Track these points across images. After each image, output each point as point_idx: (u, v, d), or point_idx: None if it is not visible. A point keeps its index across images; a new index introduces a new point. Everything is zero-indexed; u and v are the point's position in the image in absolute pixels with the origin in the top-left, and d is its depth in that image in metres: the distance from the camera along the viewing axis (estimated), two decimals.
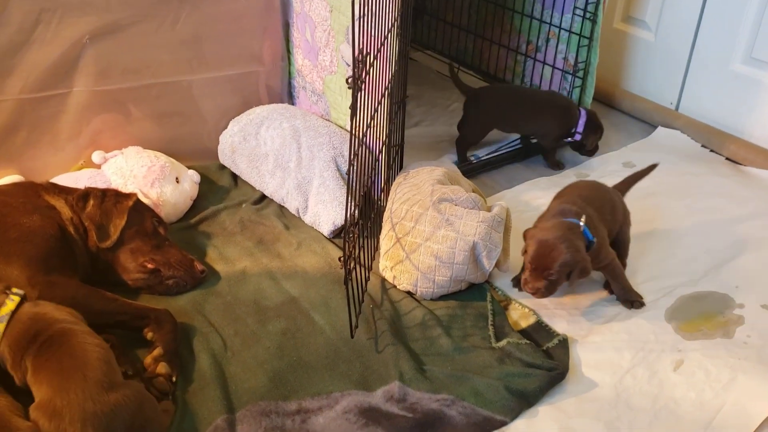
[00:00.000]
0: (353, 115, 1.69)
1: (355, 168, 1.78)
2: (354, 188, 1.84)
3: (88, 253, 2.06)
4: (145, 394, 1.64)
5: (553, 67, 3.10)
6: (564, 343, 1.95)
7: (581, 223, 1.96)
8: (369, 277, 2.17)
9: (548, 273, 1.91)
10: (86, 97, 2.44)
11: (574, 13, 2.94)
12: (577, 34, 2.94)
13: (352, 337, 1.95)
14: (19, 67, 2.31)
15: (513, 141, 2.93)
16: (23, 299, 1.69)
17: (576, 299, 2.14)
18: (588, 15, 2.86)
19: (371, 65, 1.91)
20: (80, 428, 1.49)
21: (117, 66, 2.46)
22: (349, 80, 1.65)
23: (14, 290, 1.70)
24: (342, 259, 1.82)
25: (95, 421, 1.51)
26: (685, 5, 2.99)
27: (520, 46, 3.26)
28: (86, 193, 2.11)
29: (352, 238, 1.87)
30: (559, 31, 3.04)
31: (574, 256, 1.90)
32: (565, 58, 3.06)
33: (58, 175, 2.39)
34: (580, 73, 2.98)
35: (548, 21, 3.08)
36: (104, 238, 2.05)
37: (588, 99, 3.00)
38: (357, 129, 1.75)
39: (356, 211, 2.02)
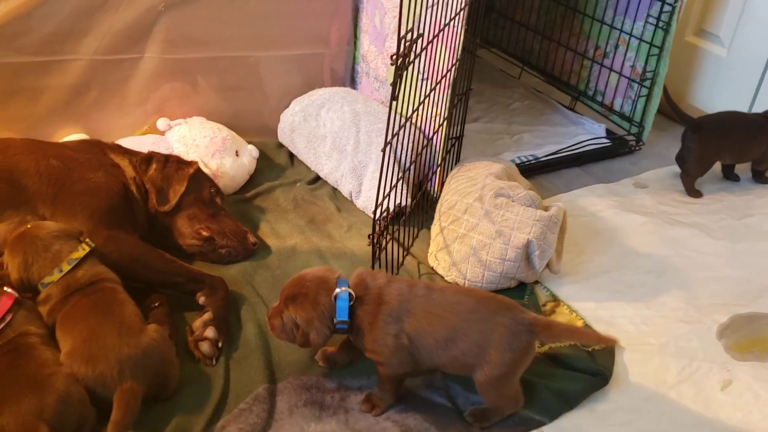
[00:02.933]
0: (394, 93, 1.68)
1: (397, 142, 1.77)
2: (397, 164, 1.82)
3: (147, 215, 2.10)
4: (168, 340, 1.71)
5: (620, 74, 3.05)
6: (610, 348, 1.92)
7: (343, 290, 1.62)
8: (403, 261, 2.17)
9: (285, 313, 1.65)
10: (156, 64, 2.49)
11: (646, 21, 2.89)
12: (647, 42, 2.88)
13: None
14: (95, 28, 2.37)
15: (573, 145, 2.89)
16: (92, 251, 1.74)
17: (626, 306, 2.10)
18: (661, 24, 2.81)
19: (424, 48, 1.89)
20: (117, 370, 1.55)
21: (189, 36, 2.50)
22: (393, 57, 1.64)
23: (87, 240, 1.76)
24: (371, 236, 1.81)
25: (130, 362, 1.57)
26: (762, 22, 2.90)
27: (588, 51, 3.21)
28: (150, 157, 2.16)
29: (385, 217, 1.86)
30: (630, 38, 2.98)
31: (306, 315, 1.61)
32: (633, 66, 3.01)
33: (123, 138, 2.45)
34: (647, 83, 2.92)
35: (619, 27, 3.03)
36: (163, 202, 2.09)
37: (653, 109, 2.94)
38: (398, 108, 1.73)
39: (400, 187, 1.99)
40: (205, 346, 1.78)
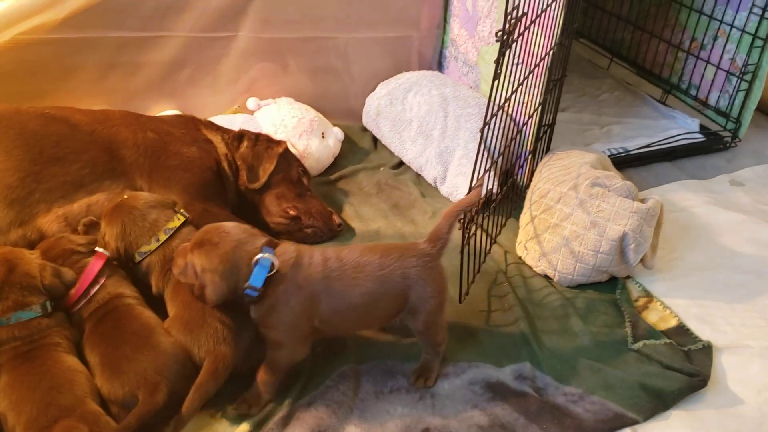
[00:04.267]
0: (497, 72, 1.63)
1: (491, 128, 1.73)
2: (487, 151, 1.79)
3: (236, 191, 2.12)
4: None
5: (717, 67, 2.92)
6: (708, 349, 1.83)
7: (266, 256, 1.51)
8: (490, 249, 2.13)
9: (188, 256, 1.53)
10: (249, 43, 2.52)
11: (750, 11, 2.75)
12: (751, 34, 2.74)
13: (460, 302, 1.93)
14: (193, 5, 2.40)
15: (664, 139, 2.78)
16: (187, 221, 1.77)
17: (723, 306, 2.00)
18: None
19: (527, 28, 1.84)
20: (212, 338, 1.56)
21: (282, 15, 2.51)
22: (498, 33, 1.59)
23: (182, 210, 1.79)
24: (462, 221, 1.78)
25: (226, 331, 1.58)
26: None
27: (683, 43, 3.09)
28: (241, 134, 2.18)
29: (477, 203, 1.83)
30: (731, 30, 2.85)
31: (206, 266, 1.49)
32: (733, 59, 2.87)
33: (214, 116, 2.47)
34: (748, 77, 2.78)
35: (719, 18, 2.89)
36: (253, 179, 2.11)
37: (752, 105, 2.80)
38: (499, 90, 1.68)
39: (489, 175, 1.95)
40: None
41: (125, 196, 1.78)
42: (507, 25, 1.57)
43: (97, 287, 1.66)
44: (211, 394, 1.54)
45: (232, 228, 1.56)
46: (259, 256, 1.52)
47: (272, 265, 1.52)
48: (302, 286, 1.54)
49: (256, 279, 1.50)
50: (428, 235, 1.65)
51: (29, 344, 1.54)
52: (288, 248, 1.59)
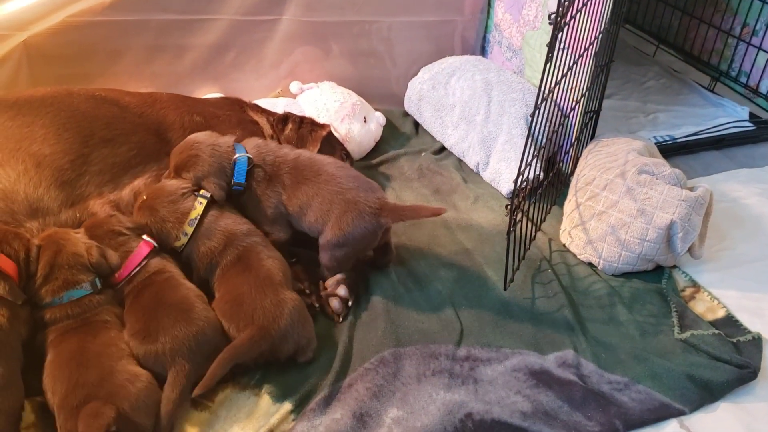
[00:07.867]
0: (549, 55, 1.60)
1: (541, 112, 1.71)
2: (536, 136, 1.76)
3: None
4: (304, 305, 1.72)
5: None
6: (757, 341, 1.79)
7: (242, 155, 1.81)
8: (534, 236, 2.11)
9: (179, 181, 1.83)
10: (293, 27, 2.52)
11: None
12: None
13: (505, 289, 1.92)
14: None
15: (712, 127, 2.72)
16: (210, 202, 1.77)
17: None
18: None
19: (578, 10, 1.81)
20: (251, 320, 1.59)
21: None
22: (551, 16, 1.57)
23: (202, 192, 1.79)
24: (509, 207, 1.77)
25: (265, 313, 1.60)
26: None
27: (734, 28, 3.01)
28: (286, 117, 2.19)
29: (524, 189, 1.81)
30: None
31: (202, 173, 1.79)
32: None
33: (257, 100, 2.48)
34: None
35: None
36: None
37: None
38: (550, 74, 1.66)
39: (535, 162, 1.93)
40: (335, 303, 1.80)
41: (144, 197, 1.77)
42: (560, 8, 1.55)
43: (139, 268, 1.68)
44: (242, 358, 1.56)
45: (201, 137, 1.83)
46: (236, 156, 1.80)
47: (248, 160, 1.80)
48: (275, 176, 1.80)
49: (239, 175, 1.79)
50: (390, 204, 1.80)
51: (80, 322, 1.56)
52: (253, 141, 1.87)
